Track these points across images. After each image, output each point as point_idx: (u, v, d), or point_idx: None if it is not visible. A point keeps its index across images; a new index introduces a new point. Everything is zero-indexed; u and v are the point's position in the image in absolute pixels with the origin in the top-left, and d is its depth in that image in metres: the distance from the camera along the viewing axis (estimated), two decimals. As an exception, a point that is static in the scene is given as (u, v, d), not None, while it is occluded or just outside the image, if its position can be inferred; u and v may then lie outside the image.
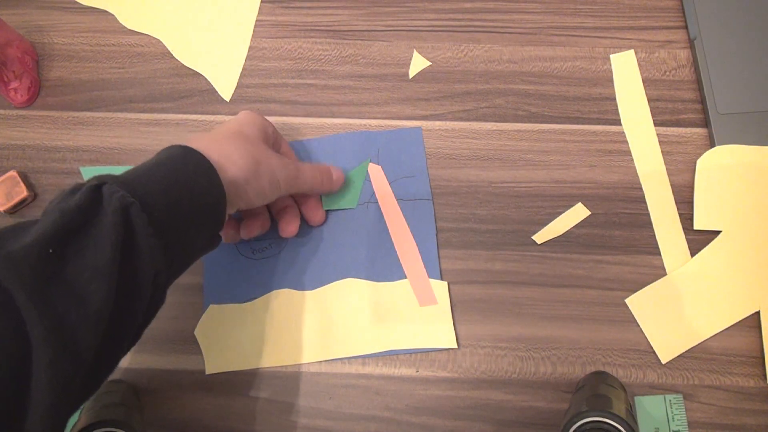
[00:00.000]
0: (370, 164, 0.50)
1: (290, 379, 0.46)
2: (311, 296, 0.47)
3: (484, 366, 0.46)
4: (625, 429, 0.37)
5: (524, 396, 0.45)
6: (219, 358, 0.46)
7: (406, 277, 0.47)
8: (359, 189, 0.49)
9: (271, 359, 0.46)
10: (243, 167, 0.39)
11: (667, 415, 0.44)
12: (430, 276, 0.47)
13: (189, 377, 0.46)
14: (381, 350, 0.46)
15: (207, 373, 0.46)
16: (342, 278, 0.47)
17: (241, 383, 0.46)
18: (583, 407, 0.38)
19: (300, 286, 0.47)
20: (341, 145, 0.50)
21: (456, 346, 0.46)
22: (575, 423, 0.37)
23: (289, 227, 0.47)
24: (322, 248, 0.48)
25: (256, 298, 0.47)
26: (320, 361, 0.46)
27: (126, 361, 0.46)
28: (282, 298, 0.47)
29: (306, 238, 0.48)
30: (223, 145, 0.40)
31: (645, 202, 0.49)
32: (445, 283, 0.47)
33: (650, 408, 0.44)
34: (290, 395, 0.45)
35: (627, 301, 0.46)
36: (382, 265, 0.47)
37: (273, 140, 0.46)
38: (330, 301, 0.47)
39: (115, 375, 0.46)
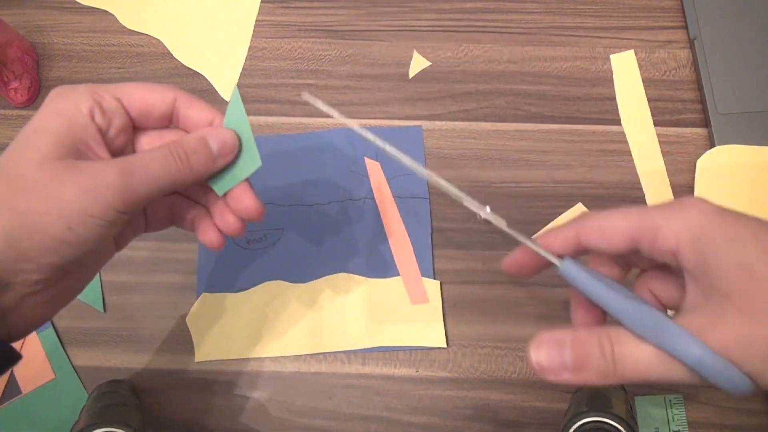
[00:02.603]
0: (369, 160, 0.50)
1: (290, 379, 0.46)
2: (303, 289, 0.47)
3: (484, 366, 0.46)
4: (625, 429, 0.37)
5: (524, 396, 0.45)
6: (209, 346, 0.46)
7: (399, 275, 0.47)
8: (251, 139, 0.33)
9: (260, 350, 0.46)
10: None
11: (667, 415, 0.44)
12: (424, 274, 0.47)
13: (189, 377, 0.46)
14: (371, 346, 0.46)
15: (197, 360, 0.46)
16: (335, 273, 0.47)
17: (241, 383, 0.46)
18: (583, 407, 0.38)
19: (293, 278, 0.47)
20: (340, 140, 0.50)
21: (445, 346, 0.46)
22: (575, 423, 0.37)
23: (205, 237, 0.35)
24: (317, 242, 0.48)
25: (248, 288, 0.47)
26: (320, 361, 0.46)
27: (126, 361, 0.46)
28: (274, 289, 0.47)
29: (301, 231, 0.48)
30: None
31: (645, 202, 0.49)
32: (438, 282, 0.47)
33: (650, 408, 0.44)
34: (290, 395, 0.45)
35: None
36: (376, 262, 0.47)
37: (109, 123, 0.31)
38: (322, 295, 0.47)
39: (115, 375, 0.46)
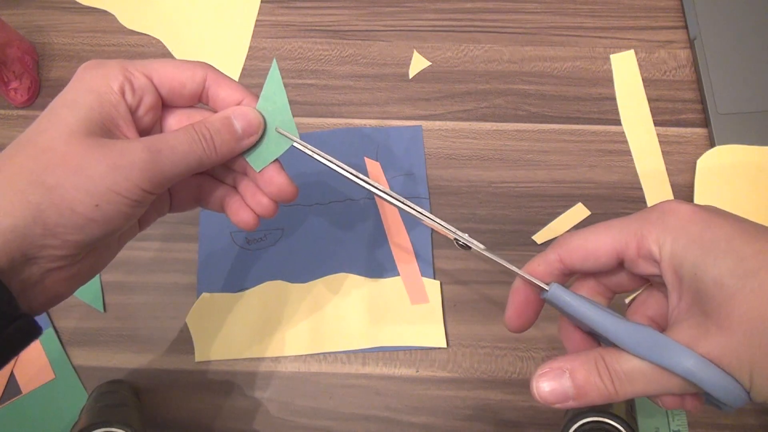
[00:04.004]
0: (369, 160, 0.50)
1: (290, 379, 0.46)
2: (303, 289, 0.47)
3: (484, 366, 0.46)
4: (625, 429, 0.37)
5: (524, 396, 0.45)
6: (209, 346, 0.46)
7: (399, 275, 0.47)
8: (288, 113, 0.34)
9: (260, 350, 0.46)
10: (16, 210, 0.26)
11: (667, 415, 0.44)
12: (424, 275, 0.47)
13: (189, 377, 0.46)
14: (371, 346, 0.46)
15: (196, 360, 0.46)
16: (335, 273, 0.47)
17: (241, 383, 0.46)
18: (583, 407, 0.38)
19: (293, 278, 0.47)
20: (340, 140, 0.50)
21: (445, 346, 0.46)
22: (575, 423, 0.37)
23: (238, 217, 0.35)
24: (317, 242, 0.48)
25: (248, 288, 0.47)
26: (320, 361, 0.46)
27: (126, 361, 0.46)
28: (274, 289, 0.47)
29: (301, 231, 0.48)
30: None
31: (645, 202, 0.49)
32: (438, 282, 0.47)
33: (650, 408, 0.44)
34: (290, 395, 0.45)
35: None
36: (376, 262, 0.47)
37: (137, 102, 0.31)
38: (322, 295, 0.47)
39: (115, 375, 0.46)
